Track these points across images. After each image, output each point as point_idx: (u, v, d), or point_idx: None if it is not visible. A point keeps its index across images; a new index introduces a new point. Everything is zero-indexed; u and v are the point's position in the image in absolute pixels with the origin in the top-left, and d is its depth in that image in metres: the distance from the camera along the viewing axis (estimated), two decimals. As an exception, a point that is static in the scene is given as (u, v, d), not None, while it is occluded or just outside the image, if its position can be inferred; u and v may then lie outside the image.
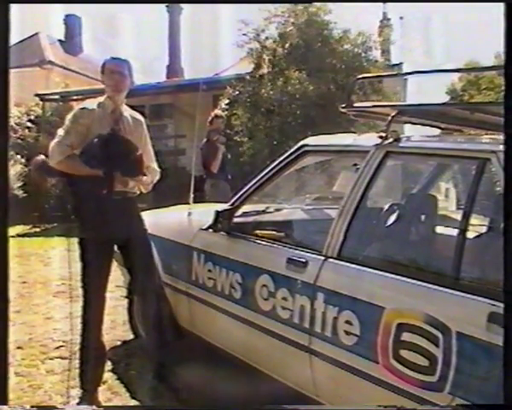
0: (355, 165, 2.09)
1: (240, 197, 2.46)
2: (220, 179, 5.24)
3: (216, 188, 5.16)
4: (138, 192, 2.53)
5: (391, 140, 1.94)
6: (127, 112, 2.52)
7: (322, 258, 1.96)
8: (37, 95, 10.96)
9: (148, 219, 2.60)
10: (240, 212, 2.49)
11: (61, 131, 2.36)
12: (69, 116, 2.40)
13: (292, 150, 2.31)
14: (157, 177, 2.57)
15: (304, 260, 2.01)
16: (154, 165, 2.59)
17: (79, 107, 2.40)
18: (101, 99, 2.45)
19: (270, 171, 2.36)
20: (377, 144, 1.97)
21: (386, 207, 2.24)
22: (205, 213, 2.80)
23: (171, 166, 9.76)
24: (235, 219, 2.46)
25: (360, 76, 2.54)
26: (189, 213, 2.83)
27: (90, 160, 2.27)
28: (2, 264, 1.24)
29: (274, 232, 2.33)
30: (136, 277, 2.48)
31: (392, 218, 2.14)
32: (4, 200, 1.26)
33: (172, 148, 10.58)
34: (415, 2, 6.35)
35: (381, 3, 10.09)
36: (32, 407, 2.10)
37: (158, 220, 2.97)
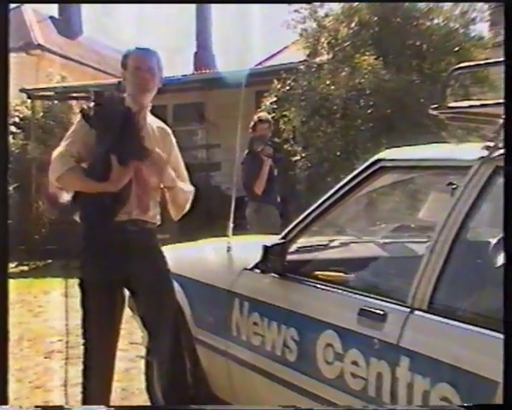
0: (451, 184, 2.12)
1: (294, 228, 2.54)
2: (266, 203, 5.37)
3: (261, 214, 5.29)
4: (159, 222, 2.66)
5: (502, 151, 1.87)
6: (151, 118, 2.69)
7: (407, 310, 1.99)
8: (23, 90, 11.40)
9: (173, 256, 2.73)
10: (295, 247, 2.57)
11: (65, 140, 2.56)
12: (77, 119, 2.61)
13: (363, 167, 2.37)
14: (190, 199, 2.70)
15: (382, 313, 2.05)
16: (188, 185, 2.73)
17: (91, 106, 2.58)
18: (119, 97, 2.62)
19: (334, 193, 2.43)
20: (482, 157, 1.95)
21: (495, 240, 2.24)
22: (248, 247, 2.91)
23: (201, 186, 9.92)
24: (289, 257, 2.54)
25: (457, 66, 2.40)
26: (229, 248, 2.94)
27: (98, 172, 2.45)
28: (1, 262, 1.51)
29: (341, 274, 2.39)
30: (157, 331, 2.58)
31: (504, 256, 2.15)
32: (4, 200, 1.56)
33: (203, 161, 10.92)
34: (418, 2, 7.38)
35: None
36: (37, 407, 2.21)
37: (186, 257, 3.12)
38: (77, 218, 2.55)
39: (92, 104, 2.53)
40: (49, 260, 9.01)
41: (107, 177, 2.45)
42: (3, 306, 1.50)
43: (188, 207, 2.70)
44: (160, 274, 2.60)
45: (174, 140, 2.74)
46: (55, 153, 2.52)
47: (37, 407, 2.25)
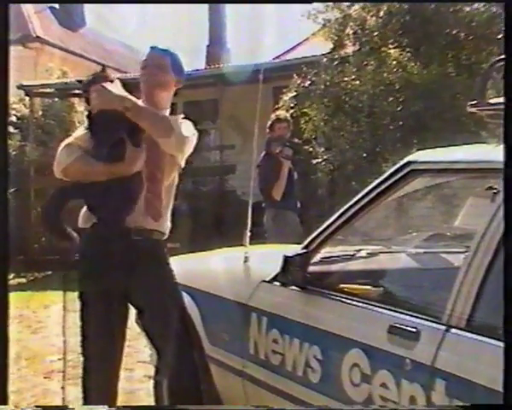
0: (491, 189, 2.11)
1: (317, 236, 2.55)
2: (286, 209, 5.39)
3: (280, 221, 5.32)
4: (167, 234, 2.68)
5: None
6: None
7: (443, 328, 1.98)
8: (20, 87, 11.57)
9: (184, 267, 2.77)
10: (318, 257, 2.57)
11: (73, 135, 2.63)
12: (86, 121, 2.65)
13: (393, 170, 2.35)
14: (186, 144, 2.63)
15: (414, 330, 2.04)
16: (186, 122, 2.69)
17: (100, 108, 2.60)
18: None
19: (360, 199, 2.44)
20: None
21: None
22: (267, 258, 2.93)
23: (215, 190, 10.11)
24: (312, 268, 2.55)
25: (500, 57, 2.40)
26: (245, 259, 2.96)
27: (110, 154, 2.50)
28: (1, 259, 1.59)
29: (368, 288, 2.39)
30: (166, 349, 2.60)
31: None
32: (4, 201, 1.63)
33: (217, 163, 10.99)
34: (419, 3, 7.30)
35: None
36: (37, 406, 2.40)
37: (199, 268, 3.14)
38: (85, 225, 2.58)
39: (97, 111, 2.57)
40: (49, 272, 9.09)
41: (120, 158, 2.50)
42: (3, 305, 1.57)
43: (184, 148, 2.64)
44: (166, 287, 2.62)
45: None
46: (61, 145, 2.59)
47: (37, 406, 2.31)
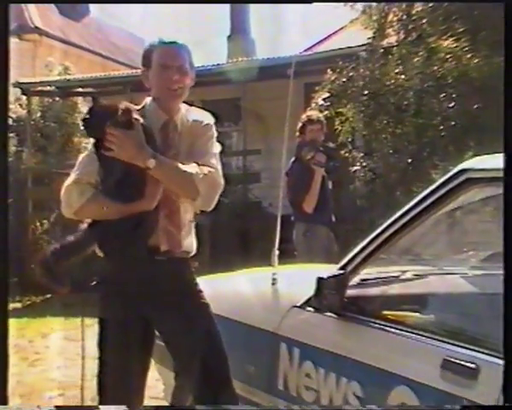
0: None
1: (356, 255, 2.55)
2: (319, 223, 5.39)
3: (313, 238, 5.32)
4: (194, 252, 2.73)
5: None
6: (189, 115, 2.74)
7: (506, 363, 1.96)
8: (16, 84, 11.73)
9: (204, 289, 2.76)
10: (357, 279, 2.58)
11: (76, 167, 2.65)
12: (89, 149, 2.68)
13: (445, 178, 2.34)
14: (217, 188, 2.68)
15: (473, 366, 2.03)
16: (215, 170, 2.68)
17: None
18: (142, 102, 2.71)
19: (406, 212, 2.43)
20: None
21: None
22: (298, 280, 2.95)
23: (237, 201, 10.11)
24: (350, 292, 2.55)
25: None
26: (273, 281, 2.97)
27: (127, 190, 2.53)
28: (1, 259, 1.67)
29: (417, 315, 2.38)
30: (193, 379, 2.62)
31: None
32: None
33: (240, 171, 11.02)
34: (420, 2, 7.71)
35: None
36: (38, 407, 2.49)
37: (220, 291, 3.15)
38: (95, 248, 2.63)
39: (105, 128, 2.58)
40: (48, 295, 9.17)
41: (140, 195, 2.53)
42: (3, 305, 1.66)
43: (214, 195, 2.69)
44: (196, 311, 2.66)
45: (210, 131, 2.76)
46: (67, 183, 2.61)
47: (38, 406, 2.42)
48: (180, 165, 2.57)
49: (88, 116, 2.57)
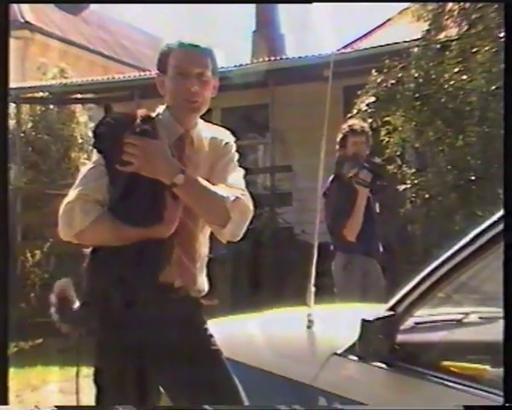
0: None
1: (409, 293, 2.54)
2: (363, 254, 5.36)
3: (356, 271, 5.30)
4: (206, 289, 2.74)
5: None
6: (206, 132, 2.77)
7: None
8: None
9: (224, 333, 2.78)
10: (409, 322, 2.55)
11: (80, 181, 2.62)
12: (93, 157, 2.67)
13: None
14: (248, 214, 2.68)
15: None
16: (242, 194, 2.68)
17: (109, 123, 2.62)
18: (156, 110, 2.71)
19: (470, 241, 2.40)
20: None
21: None
22: (338, 322, 2.94)
23: (264, 228, 10.04)
24: (402, 337, 2.52)
25: None
26: (309, 323, 2.96)
27: (133, 211, 2.52)
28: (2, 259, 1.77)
29: (486, 368, 2.36)
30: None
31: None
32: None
33: (267, 191, 11.05)
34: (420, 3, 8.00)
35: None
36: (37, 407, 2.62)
37: (244, 336, 3.16)
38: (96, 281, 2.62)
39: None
40: (40, 340, 9.21)
41: (158, 219, 2.53)
42: (3, 304, 1.78)
43: (243, 225, 2.69)
44: (202, 359, 2.65)
45: (231, 152, 2.78)
46: (68, 200, 2.58)
47: (36, 407, 2.50)
48: (209, 184, 2.58)
49: (102, 126, 2.54)
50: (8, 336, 1.86)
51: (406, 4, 8.83)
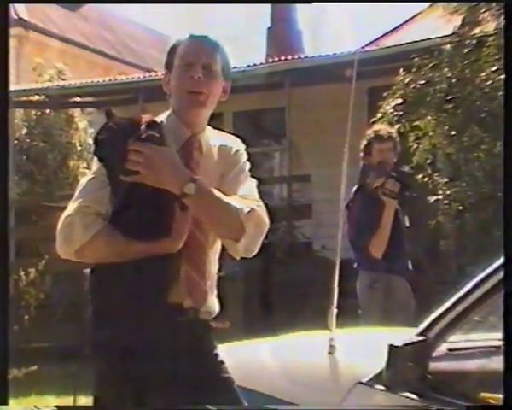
0: None
1: (442, 316, 2.53)
2: (391, 272, 5.33)
3: (382, 291, 5.28)
4: (216, 310, 2.74)
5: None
6: (214, 139, 2.78)
7: None
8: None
9: (237, 359, 2.79)
10: (443, 348, 2.56)
11: (80, 192, 2.62)
12: (94, 166, 2.66)
13: None
14: (264, 227, 2.68)
15: None
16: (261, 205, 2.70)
17: (108, 128, 2.62)
18: (160, 116, 2.69)
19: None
20: None
21: None
22: (363, 348, 2.93)
23: (281, 243, 10.03)
24: (434, 365, 2.51)
25: None
26: (331, 349, 2.95)
27: (138, 224, 2.52)
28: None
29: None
30: None
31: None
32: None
33: (283, 202, 11.10)
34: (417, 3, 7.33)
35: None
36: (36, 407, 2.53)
37: (259, 362, 3.15)
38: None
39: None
40: (34, 367, 9.23)
41: (166, 233, 2.53)
42: (3, 304, 1.59)
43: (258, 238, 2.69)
44: (212, 387, 2.65)
45: (242, 160, 2.79)
46: (67, 213, 2.58)
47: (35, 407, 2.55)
48: (222, 194, 2.57)
49: (103, 132, 2.53)
50: (9, 336, 1.90)
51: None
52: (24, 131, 12.40)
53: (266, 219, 2.65)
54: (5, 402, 2.03)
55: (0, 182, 1.80)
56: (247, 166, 2.78)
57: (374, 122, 7.28)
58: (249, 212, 2.56)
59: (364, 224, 5.36)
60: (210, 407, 2.53)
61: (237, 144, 2.82)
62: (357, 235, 5.37)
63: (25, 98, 12.54)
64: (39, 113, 12.65)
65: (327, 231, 7.63)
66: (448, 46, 8.09)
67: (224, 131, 2.89)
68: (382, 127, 5.95)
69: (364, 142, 5.53)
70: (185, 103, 2.68)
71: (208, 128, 2.79)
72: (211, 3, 16.82)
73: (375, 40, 14.45)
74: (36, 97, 12.52)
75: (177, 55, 2.71)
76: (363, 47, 11.44)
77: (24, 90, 12.49)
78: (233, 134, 2.88)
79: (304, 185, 10.86)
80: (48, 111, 12.60)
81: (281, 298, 8.67)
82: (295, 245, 10.31)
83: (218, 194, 2.55)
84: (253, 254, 2.66)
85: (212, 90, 2.68)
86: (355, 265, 5.43)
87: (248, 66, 11.15)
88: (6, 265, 1.80)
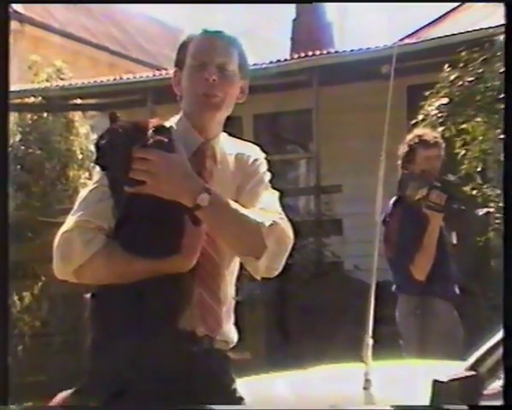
0: None
1: (494, 348, 2.55)
2: (436, 297, 5.30)
3: (426, 318, 5.24)
4: (235, 339, 2.74)
5: None
6: (229, 147, 2.78)
7: None
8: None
9: (260, 394, 2.83)
10: (496, 385, 2.53)
11: (79, 205, 2.61)
12: (95, 175, 2.67)
13: None
14: (287, 244, 2.67)
15: None
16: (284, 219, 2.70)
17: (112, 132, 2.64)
18: (169, 120, 2.71)
19: None
20: None
21: None
22: (402, 382, 2.92)
23: (307, 262, 10.04)
24: (485, 403, 2.52)
25: None
26: (367, 383, 2.96)
27: (144, 239, 2.51)
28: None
29: None
30: None
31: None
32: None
33: (311, 217, 11.12)
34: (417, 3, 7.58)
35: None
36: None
37: (285, 398, 3.14)
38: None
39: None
40: (29, 403, 9.26)
41: (175, 248, 2.52)
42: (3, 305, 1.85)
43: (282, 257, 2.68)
44: None
45: (262, 170, 2.79)
46: (65, 229, 2.58)
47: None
48: (240, 206, 2.57)
49: (107, 137, 2.50)
50: (8, 335, 1.70)
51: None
52: (18, 137, 12.42)
53: (290, 234, 2.64)
54: (5, 402, 2.16)
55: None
56: (268, 176, 2.79)
57: (414, 125, 7.25)
58: (271, 225, 2.55)
59: (405, 241, 5.31)
60: (210, 406, 2.55)
61: (256, 153, 2.82)
62: (396, 254, 5.34)
63: (19, 100, 12.58)
64: (35, 117, 12.71)
65: (360, 249, 7.57)
66: (501, 37, 8.04)
67: (243, 138, 2.88)
68: (427, 131, 5.92)
69: (405, 148, 5.48)
70: (198, 107, 2.69)
71: (223, 134, 2.79)
72: (212, 3, 16.99)
73: (415, 32, 14.45)
74: (32, 99, 12.60)
75: (188, 53, 2.71)
76: (401, 39, 11.43)
77: (18, 92, 12.48)
78: (252, 141, 2.88)
79: (333, 197, 10.85)
80: (45, 115, 12.67)
81: (307, 325, 8.66)
82: (324, 265, 10.29)
83: (235, 205, 2.55)
84: (276, 273, 2.64)
85: (227, 92, 2.68)
86: (394, 288, 5.40)
87: (271, 62, 11.17)
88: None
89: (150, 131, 2.49)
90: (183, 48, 2.74)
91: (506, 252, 2.12)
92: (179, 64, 2.75)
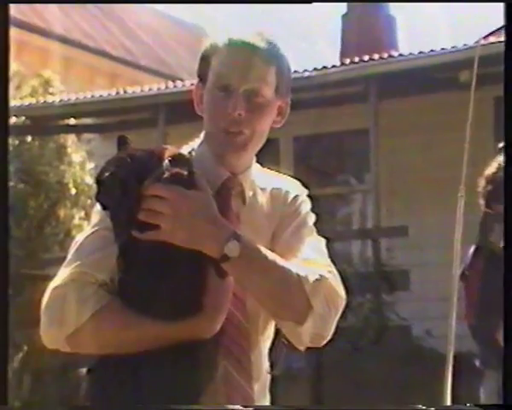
0: None
1: None
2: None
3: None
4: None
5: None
6: (263, 181, 2.81)
7: None
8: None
9: None
10: None
11: (74, 254, 2.62)
12: (95, 211, 2.68)
13: None
14: (338, 304, 2.68)
15: None
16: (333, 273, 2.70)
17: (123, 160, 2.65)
18: (188, 144, 2.74)
19: None
20: None
21: None
22: None
23: (364, 326, 9.91)
24: None
25: None
26: None
27: (157, 297, 2.51)
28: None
29: None
30: None
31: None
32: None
33: (368, 267, 11.14)
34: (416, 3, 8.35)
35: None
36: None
37: None
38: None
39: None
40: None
41: (195, 309, 2.52)
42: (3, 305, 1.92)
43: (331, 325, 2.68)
44: None
45: (304, 211, 2.80)
46: (56, 284, 2.58)
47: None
48: (277, 256, 2.56)
49: (111, 169, 2.50)
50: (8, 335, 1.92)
51: None
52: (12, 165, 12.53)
53: (342, 292, 2.64)
54: (5, 402, 2.23)
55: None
56: (312, 217, 2.79)
57: (503, 148, 7.24)
58: (317, 280, 2.54)
59: (490, 301, 5.29)
60: (210, 406, 2.57)
61: (296, 188, 2.83)
62: (479, 317, 5.31)
63: (18, 119, 12.74)
64: (17, 141, 12.74)
65: (433, 310, 7.59)
66: None
67: (280, 167, 2.89)
68: None
69: (488, 178, 5.46)
70: (218, 144, 2.68)
71: (255, 166, 2.80)
72: (213, 3, 17.13)
73: (498, 29, 14.42)
74: (13, 119, 12.64)
75: (211, 68, 2.68)
76: (485, 37, 11.33)
77: (17, 108, 12.64)
78: (292, 176, 2.88)
79: (398, 242, 10.77)
80: (29, 139, 12.72)
81: (365, 406, 8.63)
82: (386, 329, 10.26)
83: (271, 255, 2.53)
84: (324, 342, 2.64)
85: (256, 127, 2.66)
86: (477, 362, 5.37)
87: (315, 69, 11.13)
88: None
89: (166, 161, 2.47)
90: (205, 58, 2.71)
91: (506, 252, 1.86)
92: (201, 76, 2.73)
